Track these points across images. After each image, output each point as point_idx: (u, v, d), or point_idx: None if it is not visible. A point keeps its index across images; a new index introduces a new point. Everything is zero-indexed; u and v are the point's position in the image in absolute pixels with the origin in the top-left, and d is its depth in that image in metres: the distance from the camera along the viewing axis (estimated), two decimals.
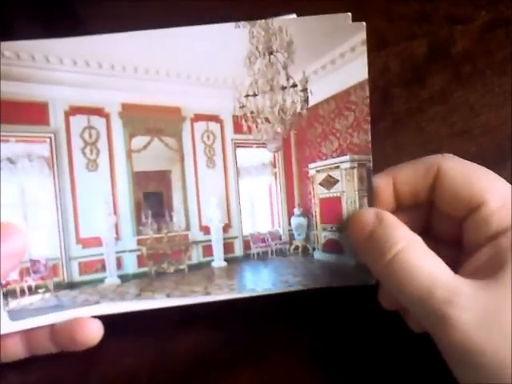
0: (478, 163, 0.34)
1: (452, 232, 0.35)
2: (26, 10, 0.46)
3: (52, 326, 0.37)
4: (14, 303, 0.37)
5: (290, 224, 0.42)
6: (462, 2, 0.47)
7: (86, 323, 0.37)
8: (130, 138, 0.42)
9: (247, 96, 0.39)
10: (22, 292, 0.38)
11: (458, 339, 0.28)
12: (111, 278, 0.40)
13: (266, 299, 0.38)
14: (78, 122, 0.40)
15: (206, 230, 0.43)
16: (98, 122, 0.41)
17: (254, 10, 0.42)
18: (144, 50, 0.38)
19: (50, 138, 0.40)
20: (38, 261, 0.39)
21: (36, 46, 0.37)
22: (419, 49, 0.46)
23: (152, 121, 0.41)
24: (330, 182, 0.41)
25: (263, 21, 0.37)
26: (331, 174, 0.41)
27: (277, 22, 0.37)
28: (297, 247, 0.42)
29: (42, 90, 0.38)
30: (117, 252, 0.41)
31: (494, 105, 0.45)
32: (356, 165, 0.39)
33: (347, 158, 0.40)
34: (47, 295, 0.38)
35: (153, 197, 0.42)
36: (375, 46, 0.45)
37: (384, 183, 0.36)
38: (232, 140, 0.43)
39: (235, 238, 0.43)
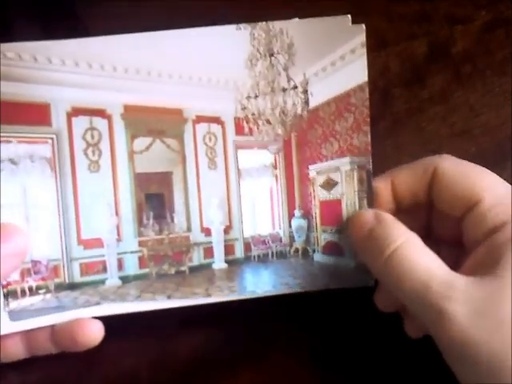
0: (478, 163, 0.34)
1: (453, 232, 0.35)
2: (25, 10, 0.46)
3: (52, 327, 0.37)
4: (14, 304, 0.37)
5: (290, 226, 0.42)
6: (462, 2, 0.47)
7: (87, 324, 0.37)
8: (131, 140, 0.42)
9: (248, 98, 0.39)
10: (23, 292, 0.38)
11: (455, 333, 0.28)
12: (112, 280, 0.40)
13: (265, 299, 0.39)
14: (80, 123, 0.40)
15: (207, 232, 0.43)
16: (100, 123, 0.41)
17: (255, 11, 0.42)
18: (146, 52, 0.38)
19: (52, 138, 0.40)
20: (39, 261, 0.39)
21: (38, 47, 0.37)
22: (419, 49, 0.46)
23: (154, 122, 0.41)
24: (330, 184, 0.41)
25: (264, 23, 0.38)
26: (331, 175, 0.41)
27: (277, 24, 0.38)
28: (297, 249, 0.42)
29: (44, 90, 0.38)
30: (118, 253, 0.41)
31: (494, 105, 0.45)
32: (356, 167, 0.39)
33: (347, 159, 0.40)
34: (48, 296, 0.38)
35: (154, 198, 0.42)
36: (375, 46, 0.45)
37: (383, 185, 0.36)
38: (233, 141, 0.44)
39: (236, 239, 0.43)
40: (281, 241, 0.43)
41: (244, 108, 0.39)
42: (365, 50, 0.37)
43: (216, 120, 0.43)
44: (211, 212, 0.43)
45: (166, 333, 0.40)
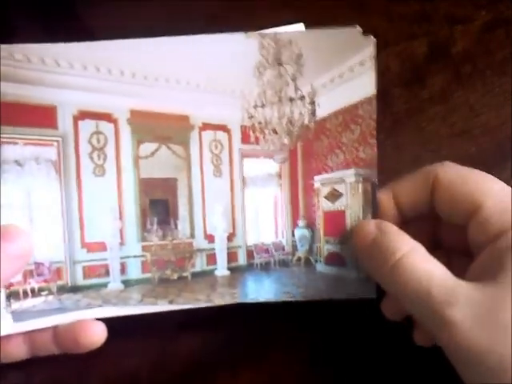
0: (478, 163, 0.34)
1: (461, 241, 0.35)
2: (25, 11, 0.46)
3: (55, 328, 0.37)
4: (16, 305, 0.37)
5: (293, 235, 0.42)
6: (462, 2, 0.46)
7: (90, 326, 0.37)
8: (137, 145, 0.42)
9: (255, 106, 0.39)
10: (25, 294, 0.38)
11: (459, 338, 0.28)
12: (115, 283, 0.40)
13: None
14: (87, 126, 0.40)
15: (210, 239, 0.43)
16: (107, 127, 0.41)
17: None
18: (154, 58, 0.38)
19: (58, 141, 0.40)
20: (42, 263, 0.39)
21: (46, 50, 0.37)
22: (419, 49, 0.46)
23: (160, 128, 0.41)
24: (334, 196, 0.41)
25: (273, 32, 0.37)
26: (336, 187, 0.41)
27: (286, 34, 0.38)
28: (299, 259, 0.42)
29: (51, 93, 0.38)
30: (121, 257, 0.41)
31: (494, 105, 0.45)
32: (361, 179, 0.39)
33: (352, 171, 0.40)
34: (50, 298, 0.39)
35: (159, 204, 0.42)
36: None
37: (385, 196, 0.36)
38: (239, 150, 0.44)
39: (239, 247, 0.43)
40: (283, 249, 0.43)
41: (251, 116, 0.39)
42: (374, 62, 0.37)
43: (222, 128, 0.43)
44: (215, 219, 0.43)
45: (165, 333, 0.40)
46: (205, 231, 0.43)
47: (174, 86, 0.40)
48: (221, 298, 0.39)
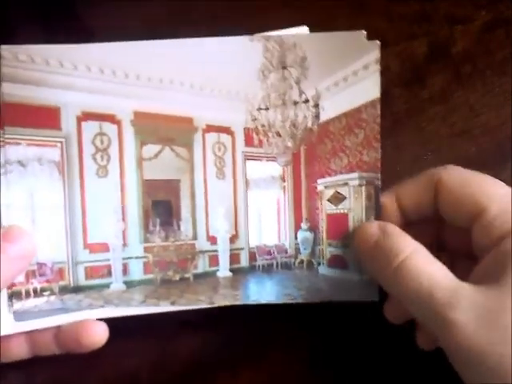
0: (478, 163, 0.35)
1: (465, 244, 0.35)
2: (25, 11, 0.46)
3: (57, 328, 0.37)
4: (18, 305, 0.37)
5: (296, 238, 0.43)
6: (462, 2, 0.46)
7: (92, 326, 0.37)
8: (141, 146, 0.42)
9: (259, 109, 0.39)
10: (28, 294, 0.38)
11: (459, 339, 0.28)
12: (117, 284, 0.40)
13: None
14: (90, 127, 0.40)
15: (212, 240, 0.44)
16: (110, 128, 0.41)
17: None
18: (158, 60, 0.38)
19: (62, 142, 0.40)
20: (45, 264, 0.39)
21: (50, 51, 0.37)
22: (419, 49, 0.46)
23: (164, 130, 0.41)
24: (337, 199, 0.41)
25: (278, 35, 0.37)
26: (339, 190, 0.42)
27: (291, 37, 0.38)
28: (302, 261, 0.42)
29: (54, 94, 0.38)
30: (123, 258, 0.41)
31: (494, 105, 0.45)
32: (364, 182, 0.39)
33: (356, 175, 0.40)
34: (52, 298, 0.39)
35: (161, 205, 0.43)
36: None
37: (388, 199, 0.37)
38: (242, 152, 0.44)
39: (241, 249, 0.43)
40: (286, 252, 0.43)
41: (254, 119, 0.40)
42: (378, 66, 0.37)
43: (226, 130, 0.43)
44: (218, 221, 0.43)
45: (165, 333, 0.40)
46: (207, 233, 0.43)
47: (178, 88, 0.40)
48: (223, 299, 0.39)
